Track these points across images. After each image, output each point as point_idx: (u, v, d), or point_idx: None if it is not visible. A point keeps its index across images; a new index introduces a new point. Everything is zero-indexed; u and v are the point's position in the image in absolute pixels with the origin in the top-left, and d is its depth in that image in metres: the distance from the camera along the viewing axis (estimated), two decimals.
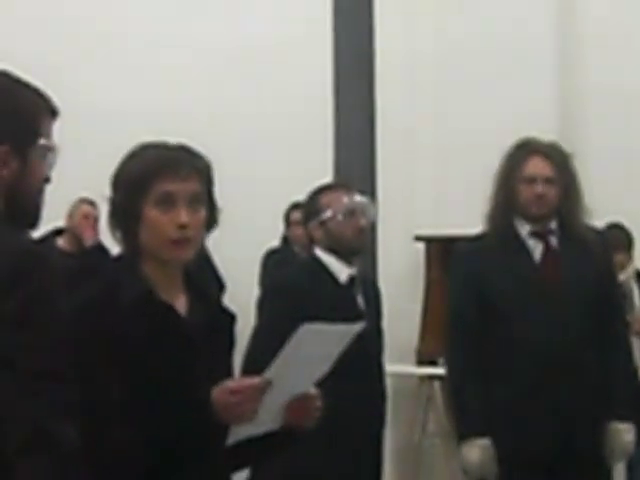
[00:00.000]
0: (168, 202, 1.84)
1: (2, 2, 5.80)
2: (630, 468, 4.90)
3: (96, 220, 4.87)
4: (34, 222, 1.78)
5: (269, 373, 1.87)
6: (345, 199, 3.31)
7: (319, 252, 3.31)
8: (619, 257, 4.39)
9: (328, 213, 3.26)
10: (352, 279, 3.28)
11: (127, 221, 1.91)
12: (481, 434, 3.24)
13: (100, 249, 4.76)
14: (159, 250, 1.87)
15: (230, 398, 1.84)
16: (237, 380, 2.03)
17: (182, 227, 1.82)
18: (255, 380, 1.88)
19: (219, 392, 1.85)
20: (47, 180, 1.74)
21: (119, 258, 2.12)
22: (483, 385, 3.34)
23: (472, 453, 3.27)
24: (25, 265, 1.61)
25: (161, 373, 1.86)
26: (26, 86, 1.73)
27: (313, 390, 1.98)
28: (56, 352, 1.59)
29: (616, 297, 3.75)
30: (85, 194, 4.79)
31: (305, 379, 2.01)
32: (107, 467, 1.84)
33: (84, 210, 5.00)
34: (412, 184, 5.61)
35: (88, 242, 5.03)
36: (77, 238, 5.09)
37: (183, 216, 1.82)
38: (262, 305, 3.45)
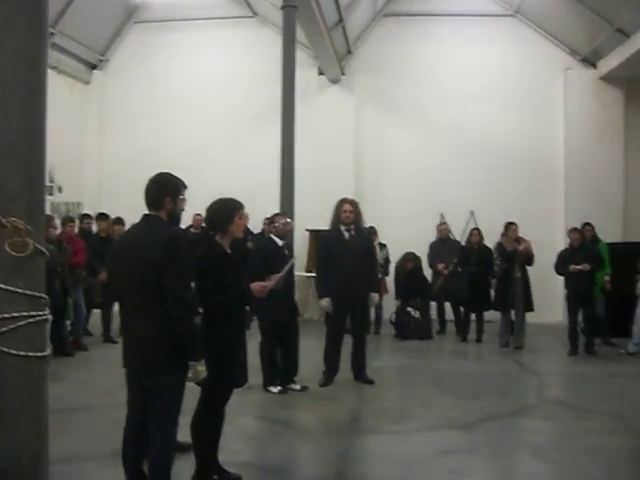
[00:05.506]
0: (242, 217, 4.08)
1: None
2: (376, 309, 9.64)
3: (201, 222, 9.19)
4: (177, 224, 3.70)
5: (280, 275, 4.42)
6: (283, 219, 6.83)
7: (272, 236, 6.86)
8: (373, 237, 9.08)
9: (277, 223, 6.82)
10: (283, 245, 6.67)
11: (224, 224, 3.95)
12: (326, 295, 7.07)
13: (205, 232, 7.94)
14: (237, 233, 4.05)
15: (258, 287, 4.17)
16: (260, 283, 4.20)
17: (244, 226, 4.53)
18: (269, 282, 4.25)
19: (254, 285, 4.14)
20: (182, 210, 3.62)
21: (209, 236, 4.10)
22: (328, 279, 7.06)
23: (323, 302, 7.11)
24: (175, 240, 3.40)
25: (228, 274, 3.97)
26: (175, 177, 3.62)
27: (280, 279, 4.46)
28: (188, 272, 3.45)
29: (373, 252, 7.64)
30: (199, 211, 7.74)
31: (281, 276, 4.52)
32: (213, 309, 3.83)
33: (197, 218, 9.70)
34: (304, 214, 10.01)
35: (197, 230, 9.74)
36: (196, 229, 9.78)
37: (245, 223, 5.21)
38: (253, 253, 7.23)
